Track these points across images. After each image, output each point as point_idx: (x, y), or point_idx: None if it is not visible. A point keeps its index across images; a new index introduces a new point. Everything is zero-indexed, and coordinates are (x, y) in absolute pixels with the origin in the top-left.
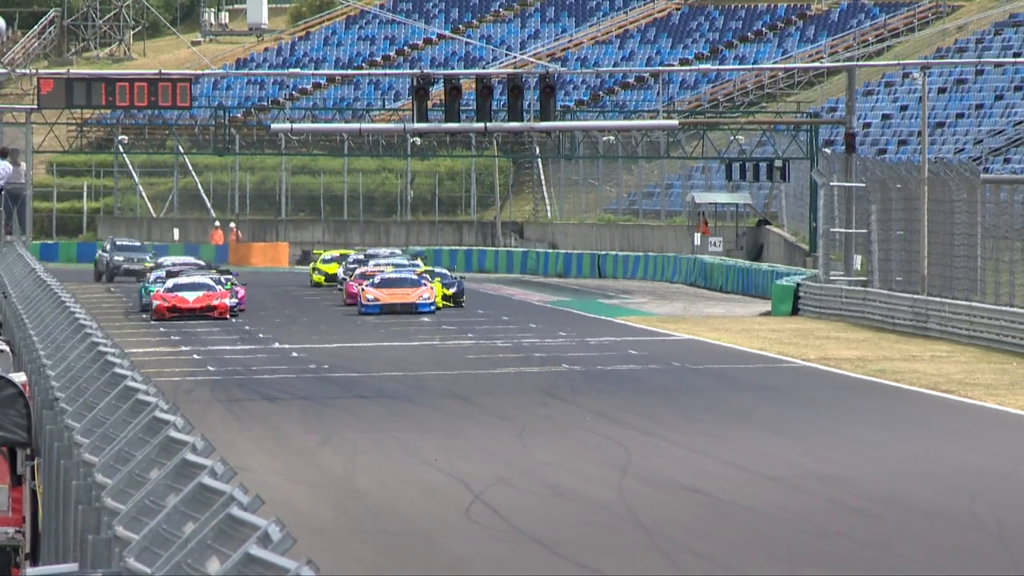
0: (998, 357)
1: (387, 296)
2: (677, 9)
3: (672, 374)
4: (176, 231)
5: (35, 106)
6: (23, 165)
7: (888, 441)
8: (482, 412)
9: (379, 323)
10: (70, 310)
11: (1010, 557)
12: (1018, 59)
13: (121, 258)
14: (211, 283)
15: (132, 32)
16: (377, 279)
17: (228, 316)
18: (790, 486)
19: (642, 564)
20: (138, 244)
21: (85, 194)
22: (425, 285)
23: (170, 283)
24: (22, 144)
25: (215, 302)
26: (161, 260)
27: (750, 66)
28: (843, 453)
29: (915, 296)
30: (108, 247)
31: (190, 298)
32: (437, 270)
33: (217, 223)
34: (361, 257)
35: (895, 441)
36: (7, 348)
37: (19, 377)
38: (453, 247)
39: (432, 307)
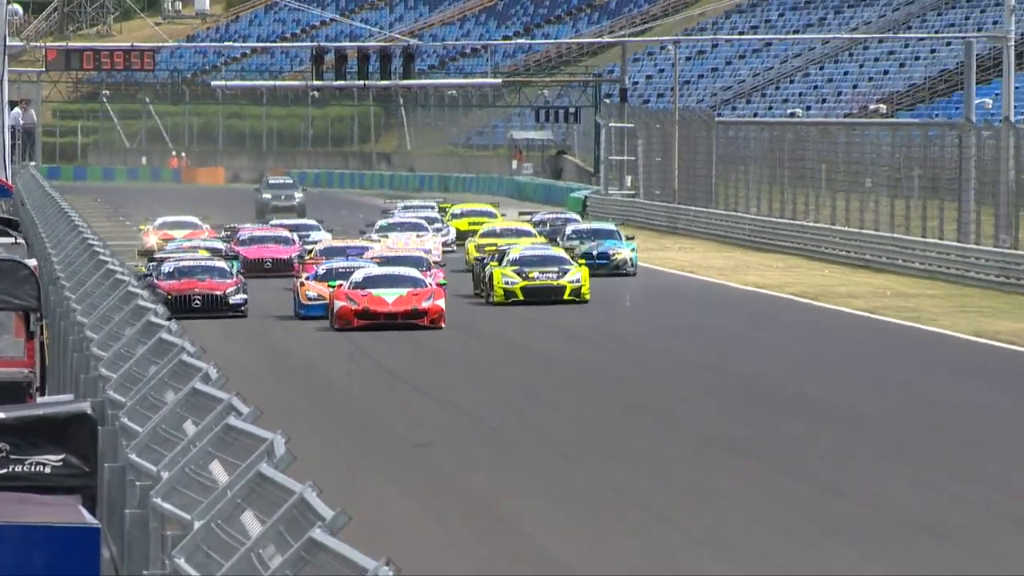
0: (727, 249)
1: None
2: (503, 1)
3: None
4: (144, 158)
5: (43, 69)
6: (33, 112)
7: (653, 310)
8: None
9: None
10: (68, 214)
11: (728, 390)
12: (741, 36)
13: (269, 196)
14: (416, 274)
15: (112, 16)
16: (323, 268)
17: (443, 324)
18: (586, 342)
19: (470, 397)
20: (289, 181)
21: (79, 132)
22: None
23: (359, 275)
24: (34, 95)
25: (425, 303)
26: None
27: (553, 40)
28: (625, 319)
29: (668, 204)
30: (261, 185)
31: (389, 298)
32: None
33: (174, 153)
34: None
35: (658, 310)
36: (23, 241)
37: (32, 262)
38: (341, 170)
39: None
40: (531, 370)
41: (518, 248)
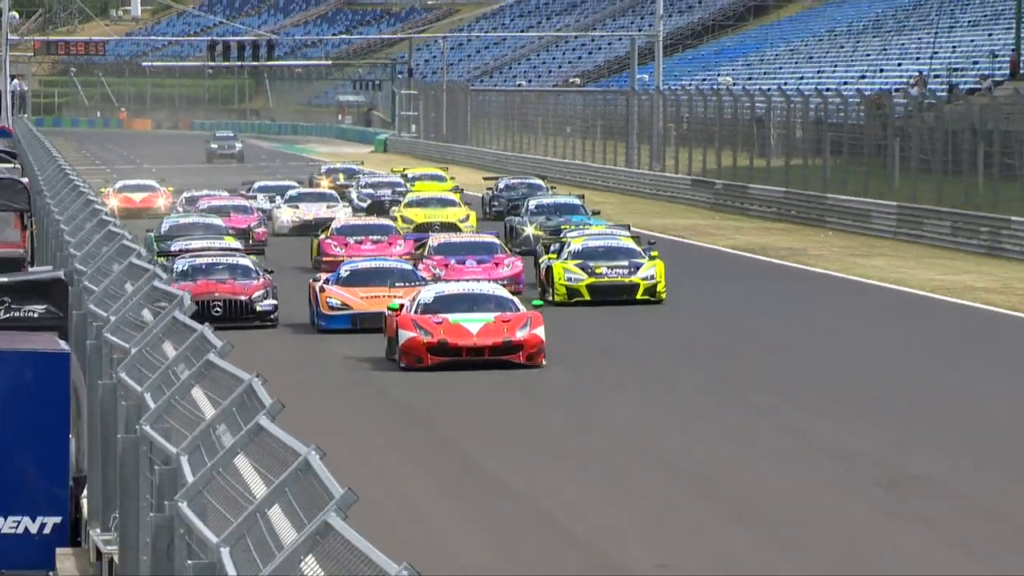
0: (477, 172)
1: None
2: (332, 10)
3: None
4: (98, 113)
5: (32, 54)
6: (24, 83)
7: None
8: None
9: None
10: (48, 149)
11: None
12: (487, 34)
13: (215, 146)
14: (502, 292)
15: (77, 20)
16: (346, 268)
17: (542, 361)
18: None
19: None
20: (231, 134)
21: (56, 95)
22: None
23: (428, 294)
24: (26, 72)
25: (520, 333)
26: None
27: (365, 36)
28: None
29: (440, 143)
30: (210, 137)
31: (473, 327)
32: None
33: (121, 110)
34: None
35: None
36: (19, 166)
37: (25, 179)
38: (226, 120)
39: None
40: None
41: (580, 238)
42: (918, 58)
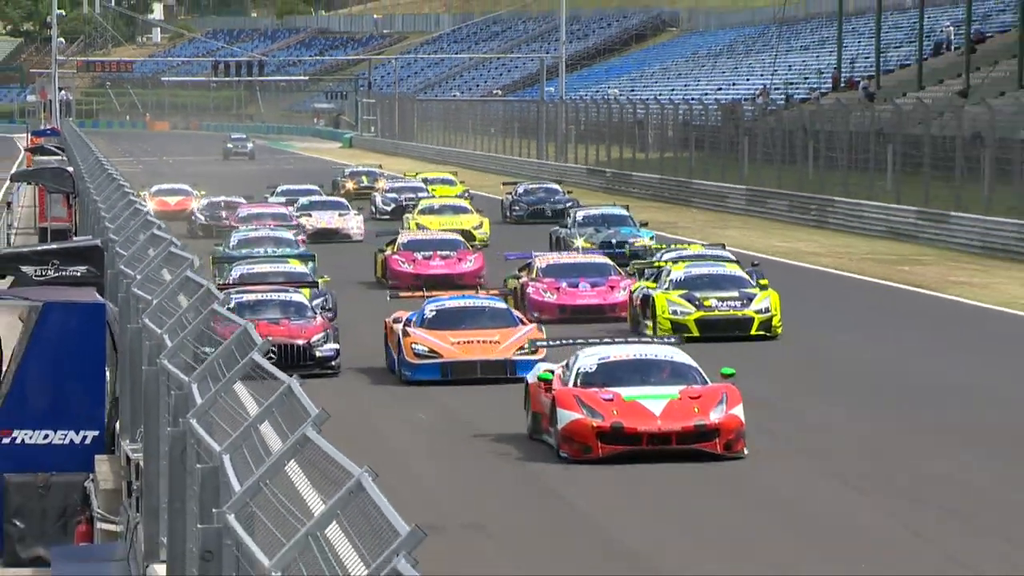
0: (422, 163)
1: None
2: (307, 38)
3: (314, 161)
4: (128, 117)
5: (75, 71)
6: (70, 94)
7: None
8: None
9: None
10: (89, 145)
11: None
12: (429, 56)
13: (231, 145)
14: (680, 355)
15: (111, 44)
16: (431, 308)
17: (743, 449)
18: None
19: None
20: (244, 136)
21: (94, 103)
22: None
23: (589, 360)
24: (71, 84)
25: (714, 415)
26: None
27: (334, 58)
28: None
29: (394, 141)
30: (226, 138)
31: (655, 406)
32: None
33: (145, 115)
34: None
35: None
36: (65, 158)
37: (70, 168)
38: (226, 123)
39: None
40: None
41: (680, 264)
42: (762, 75)
